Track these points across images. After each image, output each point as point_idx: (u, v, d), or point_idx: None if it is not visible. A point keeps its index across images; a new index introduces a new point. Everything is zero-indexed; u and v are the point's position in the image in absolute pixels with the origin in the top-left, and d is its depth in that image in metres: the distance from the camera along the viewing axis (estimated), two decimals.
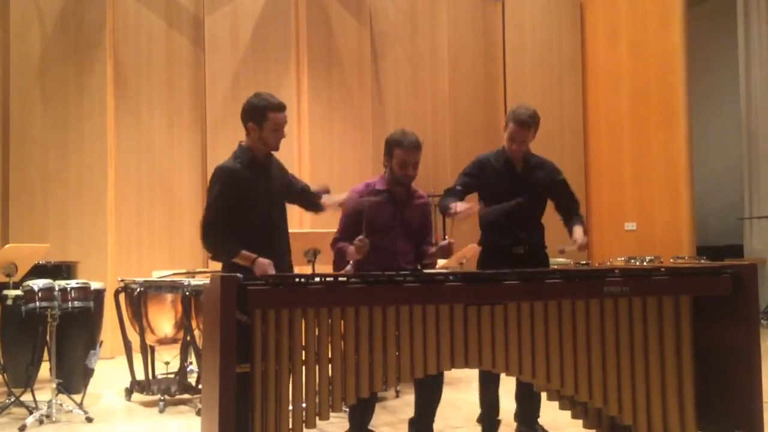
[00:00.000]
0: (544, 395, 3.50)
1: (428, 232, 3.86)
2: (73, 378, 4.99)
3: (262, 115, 3.46)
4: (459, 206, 3.62)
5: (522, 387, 3.88)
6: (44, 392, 4.72)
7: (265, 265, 3.37)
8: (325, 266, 4.85)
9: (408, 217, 3.70)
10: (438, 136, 8.77)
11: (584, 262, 6.68)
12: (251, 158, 3.49)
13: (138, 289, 5.01)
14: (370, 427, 3.62)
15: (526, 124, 3.78)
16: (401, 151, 3.56)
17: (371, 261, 3.53)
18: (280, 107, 3.50)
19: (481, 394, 3.89)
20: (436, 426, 3.57)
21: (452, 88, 8.95)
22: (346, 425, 4.02)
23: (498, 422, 3.85)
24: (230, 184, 3.45)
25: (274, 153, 3.66)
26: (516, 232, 3.83)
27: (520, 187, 3.83)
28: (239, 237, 3.42)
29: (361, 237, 3.42)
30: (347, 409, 4.25)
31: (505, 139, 3.87)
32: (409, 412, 3.56)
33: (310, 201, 3.76)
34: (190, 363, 5.20)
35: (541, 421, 3.91)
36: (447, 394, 4.87)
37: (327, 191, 3.75)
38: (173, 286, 5.01)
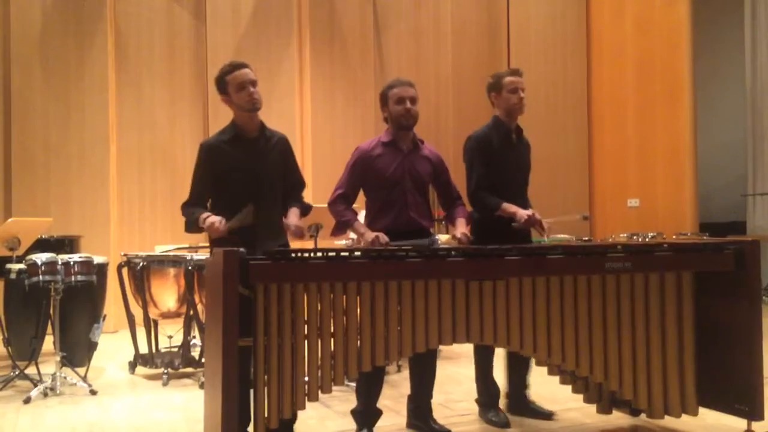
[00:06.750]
0: (535, 369, 3.50)
1: (449, 188, 3.78)
2: (77, 351, 5.03)
3: (223, 84, 3.37)
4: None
5: (511, 362, 3.88)
6: (48, 365, 4.76)
7: (209, 222, 3.17)
8: (327, 241, 4.85)
9: (417, 168, 3.60)
10: (441, 111, 8.72)
11: (586, 238, 6.66)
12: (235, 134, 3.41)
13: (141, 264, 5.02)
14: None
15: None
16: (395, 89, 3.53)
17: (383, 216, 3.49)
18: (236, 66, 3.36)
19: (476, 372, 3.84)
20: (436, 399, 3.58)
21: (455, 62, 8.88)
22: (349, 399, 4.04)
23: (497, 398, 3.82)
24: (205, 158, 3.39)
25: (287, 137, 3.56)
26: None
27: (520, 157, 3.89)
28: (219, 212, 3.37)
29: (383, 236, 3.37)
30: (349, 384, 4.29)
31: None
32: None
33: (284, 203, 3.51)
34: (193, 336, 5.23)
35: (540, 395, 3.93)
36: (448, 368, 4.91)
37: (295, 230, 3.38)
38: (176, 261, 5.02)
